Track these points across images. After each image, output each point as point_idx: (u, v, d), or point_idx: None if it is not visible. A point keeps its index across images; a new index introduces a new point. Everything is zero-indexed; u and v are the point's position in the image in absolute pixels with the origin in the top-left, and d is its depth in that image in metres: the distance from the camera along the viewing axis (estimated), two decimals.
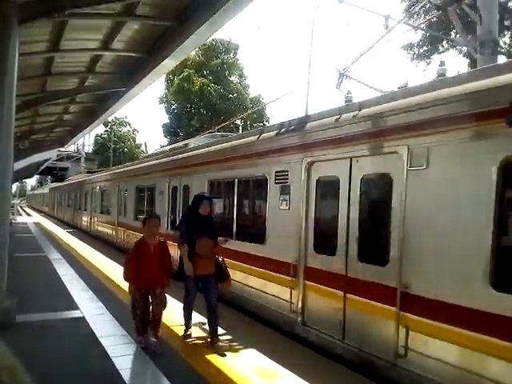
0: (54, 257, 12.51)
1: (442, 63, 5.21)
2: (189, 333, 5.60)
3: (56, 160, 36.54)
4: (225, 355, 4.91)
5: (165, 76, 38.53)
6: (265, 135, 7.77)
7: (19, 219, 30.01)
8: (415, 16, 18.26)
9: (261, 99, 39.96)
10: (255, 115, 36.03)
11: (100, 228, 20.88)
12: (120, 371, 4.31)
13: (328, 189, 6.22)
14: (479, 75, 4.35)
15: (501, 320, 3.68)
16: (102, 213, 20.93)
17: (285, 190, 6.82)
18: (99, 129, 56.51)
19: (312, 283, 6.12)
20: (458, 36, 14.23)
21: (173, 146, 17.28)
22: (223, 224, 8.48)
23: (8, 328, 5.43)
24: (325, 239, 6.13)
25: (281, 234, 6.88)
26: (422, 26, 13.49)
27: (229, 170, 8.77)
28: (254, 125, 33.09)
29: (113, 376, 4.21)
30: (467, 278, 4.04)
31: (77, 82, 11.95)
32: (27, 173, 34.97)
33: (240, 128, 36.96)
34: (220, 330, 5.78)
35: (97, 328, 5.74)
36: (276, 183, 7.09)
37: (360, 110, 5.59)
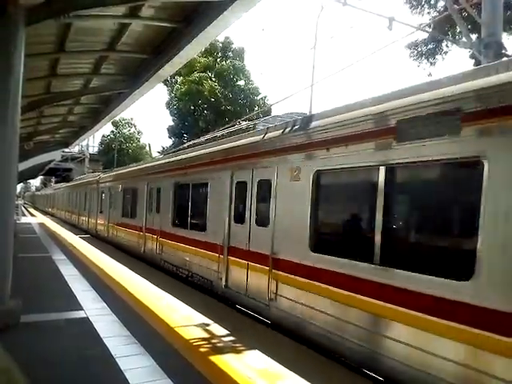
0: (58, 257, 12.56)
1: None
2: None
3: (60, 161, 36.73)
4: (228, 357, 4.89)
5: (168, 78, 38.55)
6: None
7: (23, 219, 30.12)
8: (420, 9, 18.12)
9: (266, 101, 39.94)
10: (261, 115, 35.96)
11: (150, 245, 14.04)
12: (124, 372, 4.32)
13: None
14: None
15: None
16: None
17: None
18: (106, 129, 56.83)
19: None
20: (461, 38, 14.14)
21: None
22: None
23: (13, 328, 5.46)
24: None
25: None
26: (427, 25, 13.40)
27: None
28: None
29: (117, 376, 4.22)
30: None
31: (82, 83, 12.03)
32: (31, 173, 35.15)
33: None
34: (223, 332, 5.79)
35: (101, 328, 5.75)
36: None
37: None
